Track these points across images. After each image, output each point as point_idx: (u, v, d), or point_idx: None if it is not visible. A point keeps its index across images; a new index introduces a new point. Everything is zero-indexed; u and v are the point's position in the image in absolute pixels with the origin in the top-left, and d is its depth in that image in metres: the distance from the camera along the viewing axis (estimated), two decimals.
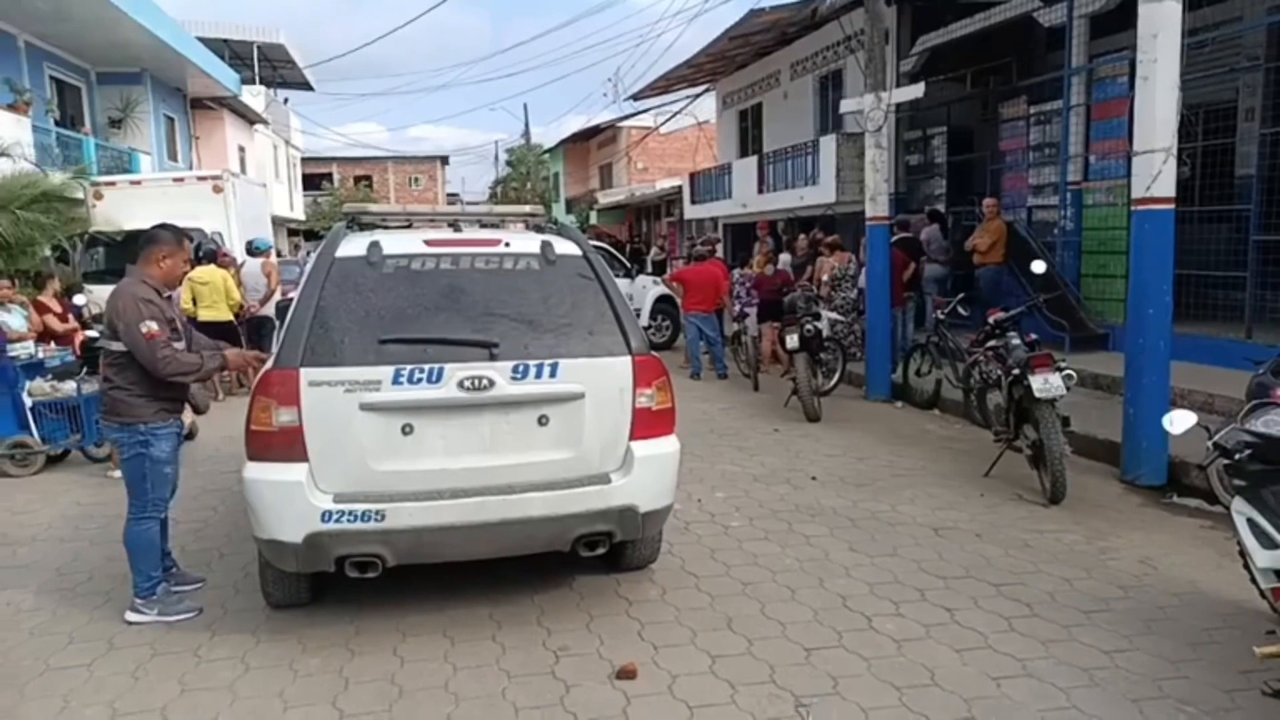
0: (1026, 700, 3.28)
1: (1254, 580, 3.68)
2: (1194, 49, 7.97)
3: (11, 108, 13.28)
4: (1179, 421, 3.79)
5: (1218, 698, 3.27)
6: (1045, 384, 5.59)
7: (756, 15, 15.17)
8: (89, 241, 12.05)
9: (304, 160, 39.06)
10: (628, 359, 3.96)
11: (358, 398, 3.59)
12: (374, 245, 3.94)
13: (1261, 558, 3.43)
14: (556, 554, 4.19)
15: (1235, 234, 8.87)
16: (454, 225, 4.46)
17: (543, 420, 3.83)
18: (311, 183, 43.08)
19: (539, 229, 4.66)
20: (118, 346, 3.99)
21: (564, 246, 4.25)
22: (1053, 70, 11.33)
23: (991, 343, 6.61)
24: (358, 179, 49.61)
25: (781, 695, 3.35)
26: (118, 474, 6.89)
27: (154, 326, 3.89)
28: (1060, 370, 5.68)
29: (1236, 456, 3.55)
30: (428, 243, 4.07)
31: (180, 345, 4.12)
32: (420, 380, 3.65)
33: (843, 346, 9.99)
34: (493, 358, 3.74)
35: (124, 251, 12.78)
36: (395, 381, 3.62)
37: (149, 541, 4.12)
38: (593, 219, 34.78)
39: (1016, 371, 5.87)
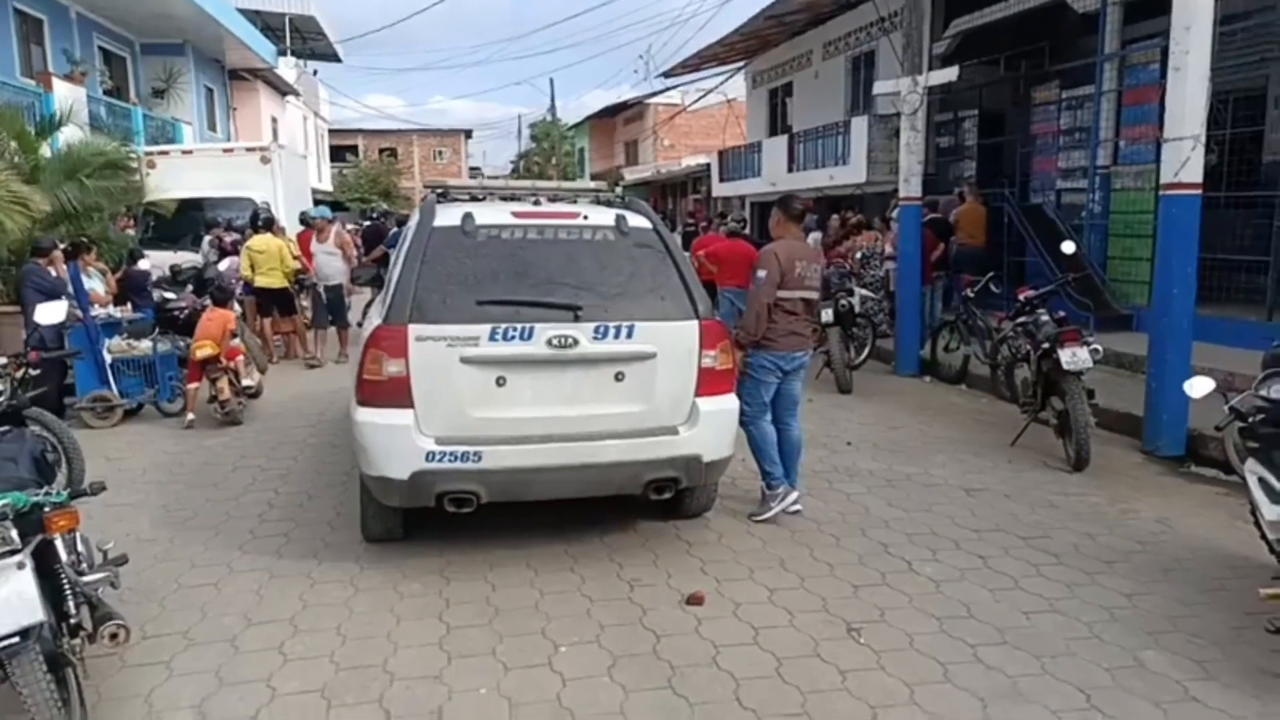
0: (1054, 631, 3.70)
1: (1263, 535, 4.05)
2: (1225, 37, 8.19)
3: (68, 77, 13.73)
4: (1198, 386, 4.15)
5: (1225, 633, 3.67)
6: (1073, 357, 5.95)
7: None
8: (144, 210, 12.54)
9: (330, 132, 39.45)
10: (695, 323, 4.36)
11: (459, 352, 4.01)
12: (467, 216, 4.35)
13: (1270, 511, 3.80)
14: (620, 502, 4.64)
15: (1260, 219, 9.11)
16: (535, 200, 4.87)
17: (619, 376, 4.25)
18: (336, 154, 43.46)
19: (609, 204, 5.05)
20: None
21: (636, 220, 4.64)
22: (1085, 56, 11.49)
23: (1021, 319, 6.97)
24: (382, 151, 49.99)
25: (834, 621, 3.78)
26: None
27: (760, 275, 4.87)
28: (1087, 345, 6.04)
29: (1250, 420, 3.92)
30: (515, 214, 4.48)
31: (798, 294, 4.92)
32: (514, 338, 4.07)
33: (873, 322, 10.35)
34: (577, 319, 4.15)
35: (176, 220, 13.31)
36: (492, 338, 4.04)
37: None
38: None
39: (1046, 345, 6.22)
